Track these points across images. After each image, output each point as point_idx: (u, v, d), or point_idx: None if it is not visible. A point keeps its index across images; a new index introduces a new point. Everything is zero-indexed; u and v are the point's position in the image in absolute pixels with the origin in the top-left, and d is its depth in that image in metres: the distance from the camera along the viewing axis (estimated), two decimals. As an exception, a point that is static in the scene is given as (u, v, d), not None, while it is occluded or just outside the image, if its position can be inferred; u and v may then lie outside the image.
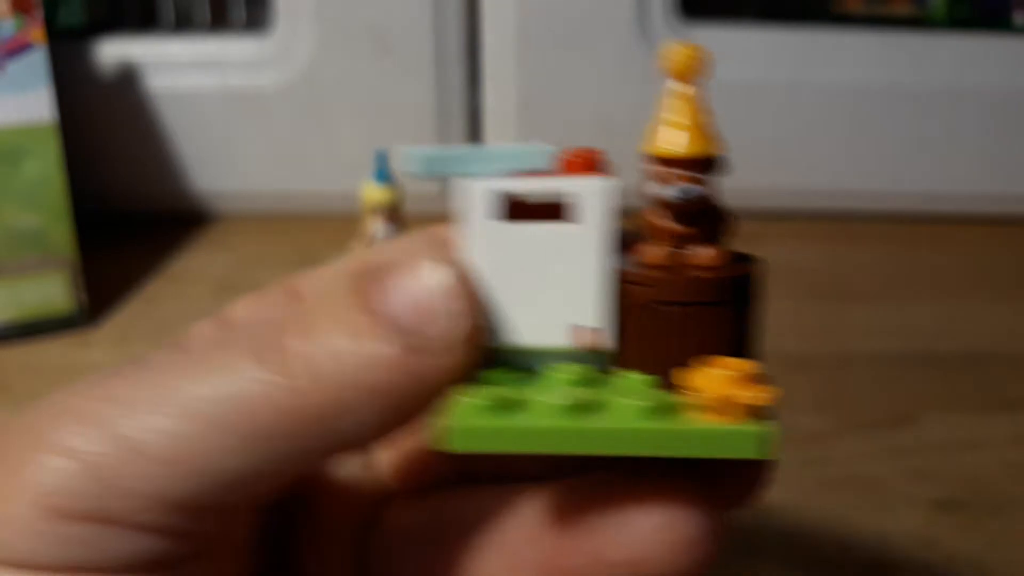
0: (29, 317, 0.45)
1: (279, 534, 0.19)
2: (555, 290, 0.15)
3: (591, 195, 0.15)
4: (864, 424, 0.38)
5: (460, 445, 0.14)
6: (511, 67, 0.54)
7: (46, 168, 0.44)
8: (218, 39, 0.55)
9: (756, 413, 0.14)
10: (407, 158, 0.16)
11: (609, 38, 0.53)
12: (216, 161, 0.56)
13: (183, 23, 0.57)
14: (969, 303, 0.49)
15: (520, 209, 0.16)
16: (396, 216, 0.48)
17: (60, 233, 0.45)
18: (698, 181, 0.14)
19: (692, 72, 0.14)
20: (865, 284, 0.51)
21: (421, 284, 0.16)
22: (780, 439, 0.14)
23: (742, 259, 0.15)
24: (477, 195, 0.15)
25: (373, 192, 0.47)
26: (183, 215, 0.57)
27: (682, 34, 0.53)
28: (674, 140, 0.14)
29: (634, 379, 0.15)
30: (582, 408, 0.14)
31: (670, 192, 0.14)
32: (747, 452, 0.14)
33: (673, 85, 0.14)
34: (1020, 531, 0.32)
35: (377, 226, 0.47)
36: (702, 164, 0.14)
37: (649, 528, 0.15)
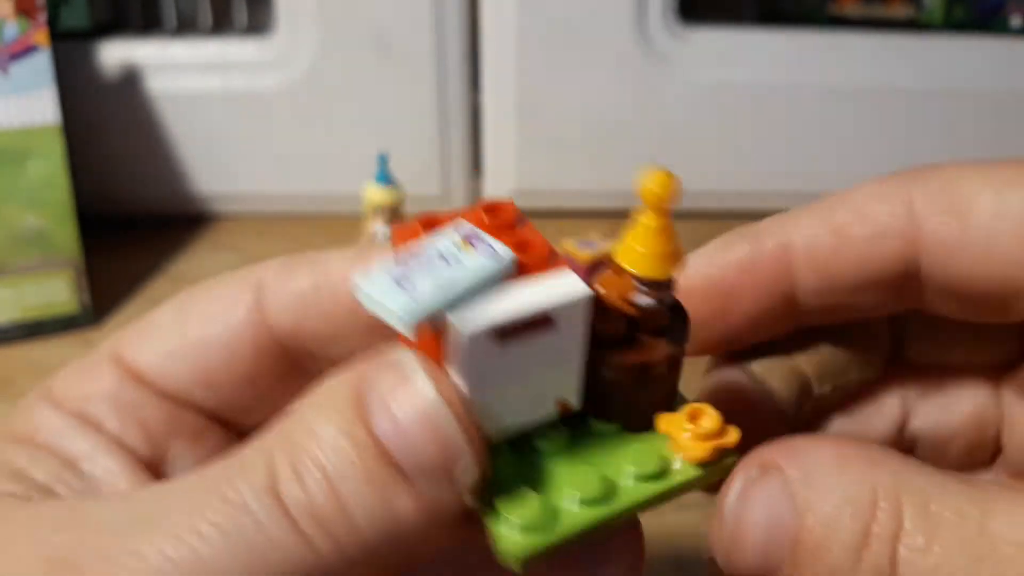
0: (33, 317, 0.45)
1: None
2: (541, 377, 0.16)
3: (571, 308, 0.16)
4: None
5: (522, 568, 0.16)
6: (511, 68, 0.54)
7: (50, 169, 0.44)
8: (220, 42, 0.56)
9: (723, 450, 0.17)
10: (370, 301, 0.15)
11: (608, 40, 0.53)
12: (218, 162, 0.57)
13: (185, 26, 0.58)
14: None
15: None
16: (397, 217, 0.48)
17: (64, 234, 0.45)
18: (653, 295, 0.17)
19: (666, 202, 0.16)
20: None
21: (439, 425, 0.15)
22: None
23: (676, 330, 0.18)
24: (469, 340, 0.15)
25: (374, 194, 0.48)
26: (186, 216, 0.57)
27: (680, 36, 0.54)
28: (639, 264, 0.16)
29: (606, 429, 0.18)
30: (600, 498, 0.16)
31: (640, 300, 0.17)
32: (724, 474, 0.17)
33: (646, 215, 0.16)
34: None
35: (378, 227, 0.47)
36: (659, 284, 0.16)
37: None
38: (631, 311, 0.17)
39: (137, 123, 0.55)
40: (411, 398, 0.15)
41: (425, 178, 0.56)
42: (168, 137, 0.56)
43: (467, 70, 0.55)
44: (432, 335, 0.16)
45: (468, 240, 0.16)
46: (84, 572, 0.15)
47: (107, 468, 0.19)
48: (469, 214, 0.17)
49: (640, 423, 0.18)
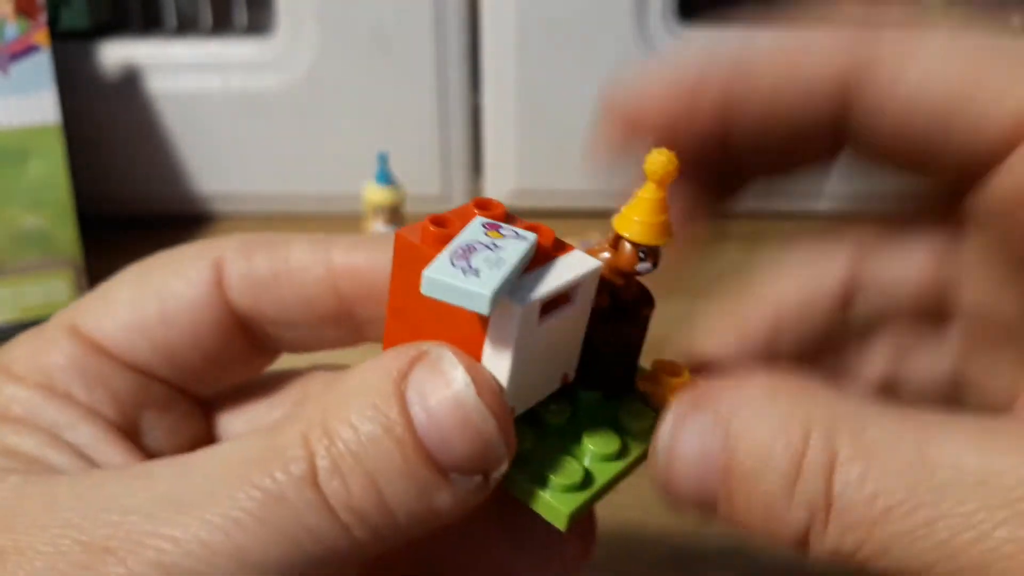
0: (33, 317, 0.45)
1: None
2: (557, 351, 0.18)
3: (588, 280, 0.17)
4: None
5: (567, 526, 0.17)
6: (511, 67, 0.54)
7: (50, 169, 0.44)
8: (220, 42, 0.56)
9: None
10: (450, 291, 0.16)
11: (608, 39, 0.53)
12: (219, 163, 0.57)
13: (186, 26, 0.58)
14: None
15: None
16: (397, 217, 0.48)
17: (64, 234, 0.45)
18: (649, 261, 0.18)
19: (667, 179, 0.17)
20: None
21: (476, 423, 0.16)
22: None
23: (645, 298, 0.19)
24: (529, 314, 0.16)
25: (374, 193, 0.48)
26: (186, 216, 0.57)
27: (680, 36, 0.54)
28: (637, 232, 0.18)
29: (592, 396, 0.19)
30: (617, 453, 0.18)
31: (646, 268, 0.18)
32: None
33: (647, 188, 0.17)
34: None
35: (378, 227, 0.47)
36: (654, 250, 0.18)
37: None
38: (617, 282, 0.18)
39: (137, 123, 0.55)
40: (451, 396, 0.15)
41: (425, 178, 0.56)
42: (168, 137, 0.56)
43: (467, 70, 0.55)
44: (460, 322, 0.17)
45: (493, 228, 0.17)
46: (121, 557, 0.15)
47: (90, 435, 0.19)
48: (466, 210, 0.18)
49: (619, 387, 0.19)
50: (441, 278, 0.15)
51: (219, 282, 0.20)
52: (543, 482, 0.17)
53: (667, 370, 0.18)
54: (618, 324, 0.18)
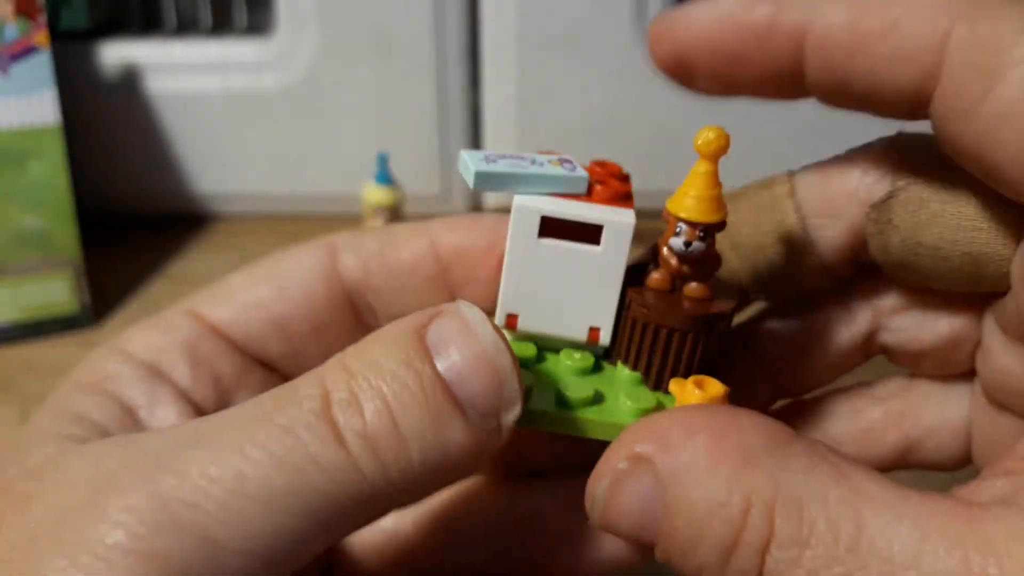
0: (33, 317, 0.45)
1: None
2: (579, 295, 0.19)
3: (618, 229, 0.18)
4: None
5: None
6: (511, 67, 0.54)
7: (50, 170, 0.44)
8: (220, 42, 0.56)
9: None
10: (463, 165, 0.18)
11: (608, 39, 0.53)
12: (218, 163, 0.57)
13: (185, 26, 0.58)
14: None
15: (560, 226, 0.18)
16: (397, 217, 0.48)
17: (64, 234, 0.45)
18: (701, 239, 0.18)
19: (719, 154, 0.18)
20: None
21: (493, 360, 0.16)
22: None
23: (721, 301, 0.19)
24: (526, 217, 0.18)
25: (374, 193, 0.48)
26: (186, 216, 0.57)
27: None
28: (691, 207, 0.18)
29: (626, 373, 0.19)
30: (592, 400, 0.18)
31: (678, 244, 0.18)
32: None
33: (701, 164, 0.18)
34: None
35: (378, 227, 0.47)
36: (706, 227, 0.18)
37: None
38: (680, 270, 0.18)
39: (137, 123, 0.55)
40: (472, 340, 0.16)
41: (425, 178, 0.56)
42: (168, 137, 0.56)
43: (467, 70, 0.55)
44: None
45: (561, 160, 0.19)
46: (123, 489, 0.15)
47: (163, 418, 0.20)
48: (587, 165, 0.19)
49: (656, 381, 0.19)
50: (465, 156, 0.18)
51: (332, 260, 0.22)
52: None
53: (700, 384, 0.18)
54: (665, 310, 0.18)
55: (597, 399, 0.18)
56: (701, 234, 0.18)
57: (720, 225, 0.18)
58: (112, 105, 0.55)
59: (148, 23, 0.57)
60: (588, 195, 0.18)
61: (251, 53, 0.55)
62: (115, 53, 0.54)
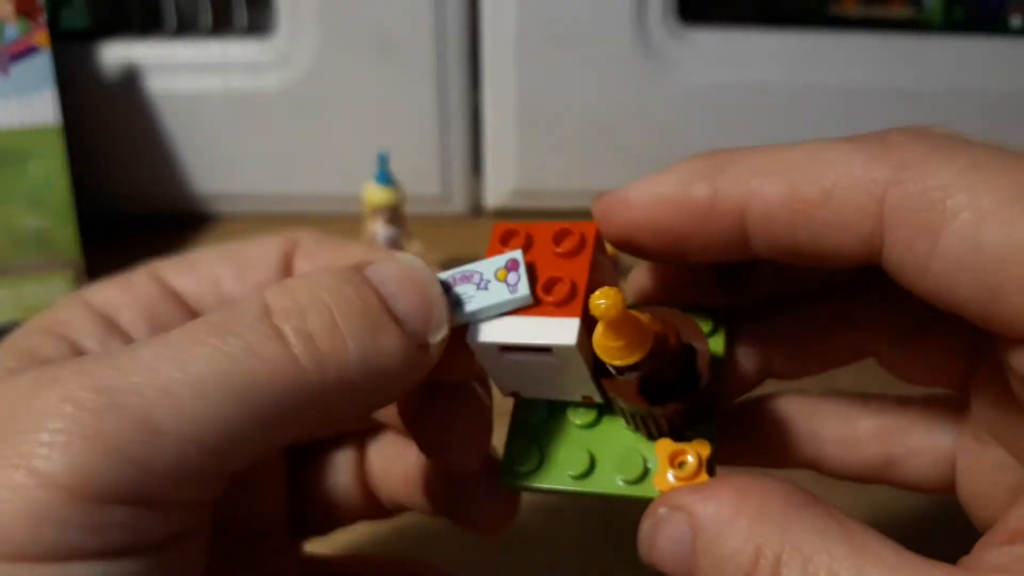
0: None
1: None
2: (557, 380, 0.20)
3: (562, 349, 0.19)
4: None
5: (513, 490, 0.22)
6: (511, 68, 0.54)
7: (50, 170, 0.45)
8: (220, 42, 0.56)
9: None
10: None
11: (608, 40, 0.53)
12: (218, 163, 0.57)
13: (186, 26, 0.58)
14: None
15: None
16: (397, 217, 0.48)
17: (64, 234, 0.45)
18: (631, 369, 0.19)
19: (616, 314, 0.18)
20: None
21: (423, 285, 0.19)
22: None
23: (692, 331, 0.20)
24: (486, 350, 0.20)
25: (374, 194, 0.48)
26: (186, 216, 0.57)
27: (680, 36, 0.54)
28: (605, 354, 0.19)
29: (624, 431, 0.21)
30: (583, 475, 0.21)
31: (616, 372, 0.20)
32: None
33: (601, 323, 0.18)
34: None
35: (378, 227, 0.47)
36: (623, 368, 0.19)
37: None
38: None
39: (137, 123, 0.55)
40: (406, 269, 0.19)
41: (425, 178, 0.56)
42: (168, 137, 0.56)
43: (467, 70, 0.55)
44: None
45: (507, 268, 0.20)
46: (64, 381, 0.16)
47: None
48: (544, 230, 0.21)
49: (649, 436, 0.21)
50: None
51: (287, 255, 0.23)
52: (511, 454, 0.21)
53: (676, 457, 0.19)
54: (633, 398, 0.20)
55: (591, 468, 0.21)
56: (625, 369, 0.19)
57: (635, 366, 0.19)
58: (112, 105, 0.55)
59: (148, 23, 0.57)
60: (537, 304, 0.20)
61: (251, 53, 0.55)
62: (115, 53, 0.54)
